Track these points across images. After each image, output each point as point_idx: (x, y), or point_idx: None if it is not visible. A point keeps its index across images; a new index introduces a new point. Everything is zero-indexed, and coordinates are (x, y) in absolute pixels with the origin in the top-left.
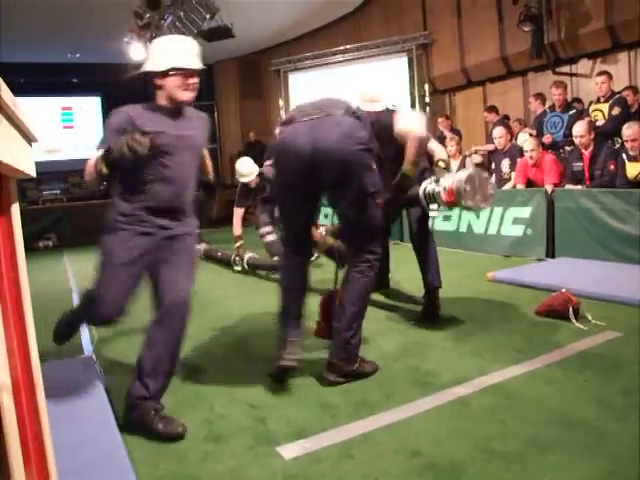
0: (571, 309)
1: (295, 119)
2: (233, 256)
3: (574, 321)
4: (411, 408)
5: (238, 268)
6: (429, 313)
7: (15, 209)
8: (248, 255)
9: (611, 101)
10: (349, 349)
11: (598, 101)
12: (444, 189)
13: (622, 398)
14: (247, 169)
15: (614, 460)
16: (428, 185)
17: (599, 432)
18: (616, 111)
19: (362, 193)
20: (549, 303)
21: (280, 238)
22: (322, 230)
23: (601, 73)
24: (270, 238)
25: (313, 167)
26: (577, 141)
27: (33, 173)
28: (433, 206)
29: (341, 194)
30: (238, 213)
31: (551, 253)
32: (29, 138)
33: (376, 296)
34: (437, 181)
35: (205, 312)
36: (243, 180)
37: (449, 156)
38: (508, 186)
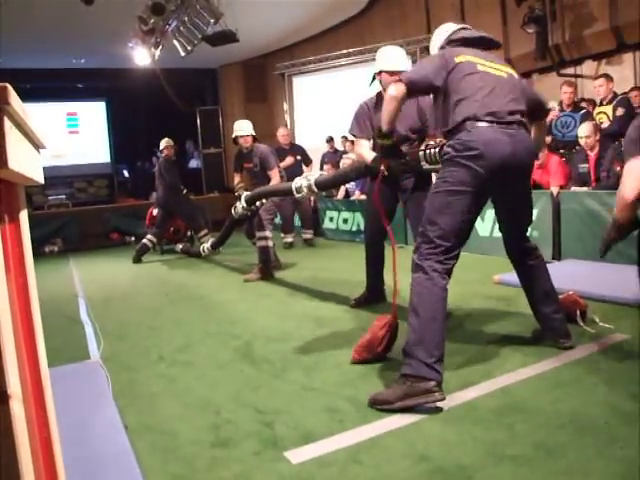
0: (578, 312)
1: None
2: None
3: (581, 323)
4: (419, 412)
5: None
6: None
7: (24, 216)
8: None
9: (614, 102)
10: None
11: (601, 104)
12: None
13: (631, 402)
14: (242, 124)
15: (625, 465)
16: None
17: (609, 436)
18: (620, 112)
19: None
20: None
21: None
22: None
23: (599, 76)
24: (264, 244)
25: None
26: (582, 142)
27: (41, 180)
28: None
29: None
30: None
31: (558, 255)
32: (37, 145)
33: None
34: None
35: (211, 316)
36: (235, 134)
37: None
38: None
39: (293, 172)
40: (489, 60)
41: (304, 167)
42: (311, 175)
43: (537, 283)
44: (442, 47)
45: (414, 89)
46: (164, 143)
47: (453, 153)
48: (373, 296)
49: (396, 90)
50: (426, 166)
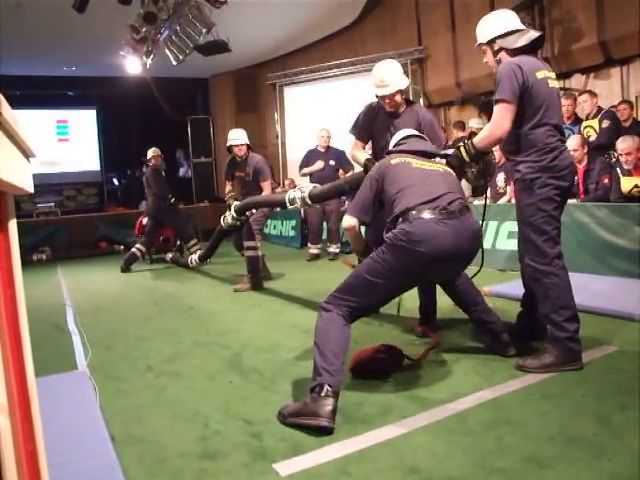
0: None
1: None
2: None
3: None
4: (408, 424)
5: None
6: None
7: (13, 225)
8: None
9: (600, 115)
10: None
11: (587, 118)
12: None
13: (620, 414)
14: (237, 133)
15: (613, 477)
16: None
17: (598, 448)
18: (605, 124)
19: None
20: None
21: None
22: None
23: (583, 92)
24: (253, 254)
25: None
26: None
27: (31, 189)
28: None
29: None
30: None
31: None
32: (27, 154)
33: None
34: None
35: (200, 327)
36: (230, 142)
37: None
38: (503, 200)
39: (322, 177)
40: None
41: (341, 172)
42: (305, 187)
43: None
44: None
45: (364, 218)
46: (151, 152)
47: (393, 240)
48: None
49: (348, 223)
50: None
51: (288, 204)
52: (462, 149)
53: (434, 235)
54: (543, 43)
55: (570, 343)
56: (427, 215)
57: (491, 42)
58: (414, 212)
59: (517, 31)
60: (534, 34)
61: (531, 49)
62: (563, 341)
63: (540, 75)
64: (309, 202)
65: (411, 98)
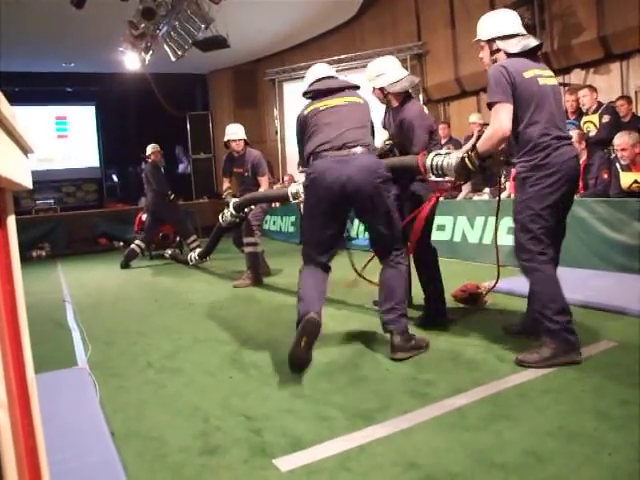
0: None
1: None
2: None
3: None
4: (408, 419)
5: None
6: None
7: (11, 221)
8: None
9: (600, 110)
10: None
11: (587, 113)
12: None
13: (619, 408)
14: (234, 129)
15: (613, 472)
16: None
17: (598, 443)
18: (606, 119)
19: (386, 213)
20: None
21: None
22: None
23: (583, 87)
24: (252, 249)
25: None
26: None
27: (30, 185)
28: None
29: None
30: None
31: None
32: (25, 150)
33: (369, 305)
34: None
35: (200, 323)
36: (227, 137)
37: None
38: (503, 195)
39: None
40: (336, 97)
41: None
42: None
43: (386, 283)
44: (304, 93)
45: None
46: (151, 148)
47: (303, 183)
48: None
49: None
50: (432, 178)
51: (291, 198)
52: (467, 161)
53: (323, 170)
54: (541, 48)
55: (565, 334)
56: (322, 156)
57: (490, 41)
58: (314, 156)
59: (518, 35)
60: (533, 42)
61: (528, 52)
62: (558, 333)
63: (528, 74)
64: None
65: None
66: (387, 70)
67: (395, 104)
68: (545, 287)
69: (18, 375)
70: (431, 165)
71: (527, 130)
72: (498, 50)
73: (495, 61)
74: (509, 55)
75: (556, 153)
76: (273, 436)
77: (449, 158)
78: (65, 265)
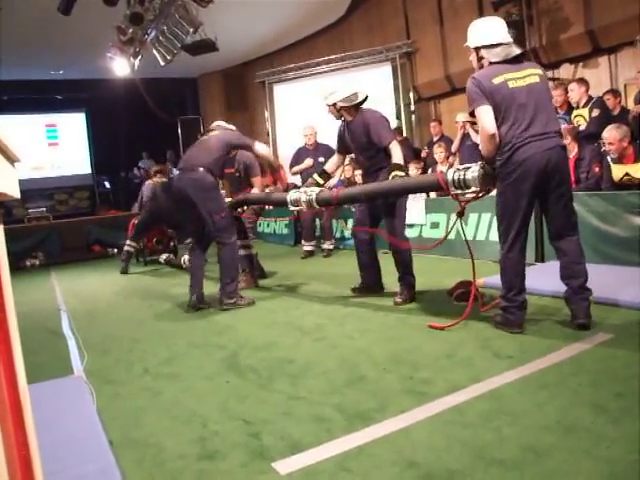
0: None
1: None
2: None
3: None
4: (406, 418)
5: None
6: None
7: None
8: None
9: (590, 104)
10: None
11: (577, 107)
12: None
13: (616, 401)
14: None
15: (612, 464)
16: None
17: (595, 436)
18: (595, 113)
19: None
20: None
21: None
22: None
23: (572, 81)
24: (247, 252)
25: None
26: None
27: (17, 195)
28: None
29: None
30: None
31: (540, 257)
32: (12, 159)
33: (366, 304)
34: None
35: (195, 327)
36: None
37: (436, 162)
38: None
39: (310, 176)
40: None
41: None
42: (312, 190)
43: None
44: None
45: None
46: (156, 167)
47: None
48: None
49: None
50: (454, 191)
51: (290, 205)
52: (483, 171)
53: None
54: (524, 56)
55: (514, 310)
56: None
57: (476, 48)
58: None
59: (502, 44)
60: (515, 51)
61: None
62: (509, 309)
63: (498, 80)
64: (316, 206)
65: (400, 93)
66: (338, 88)
67: (349, 118)
68: (507, 275)
69: (10, 386)
70: (452, 180)
71: (500, 130)
72: (483, 57)
73: (482, 66)
74: (491, 63)
75: (519, 151)
76: (272, 439)
77: (472, 172)
78: (59, 273)
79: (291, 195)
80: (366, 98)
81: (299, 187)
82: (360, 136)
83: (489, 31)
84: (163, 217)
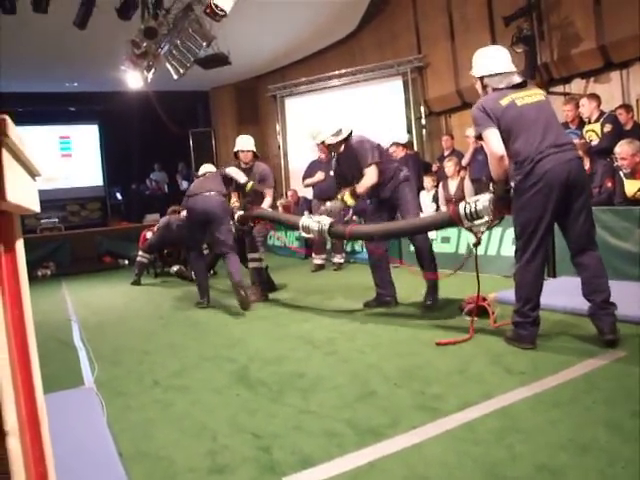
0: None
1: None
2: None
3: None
4: (418, 434)
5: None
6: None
7: (19, 245)
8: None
9: (602, 119)
10: None
11: (589, 122)
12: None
13: (631, 420)
14: (245, 140)
15: None
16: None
17: (610, 456)
18: (608, 128)
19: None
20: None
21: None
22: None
23: (584, 96)
24: (257, 265)
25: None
26: None
27: (37, 208)
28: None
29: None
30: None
31: (552, 272)
32: (33, 173)
33: (376, 319)
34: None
35: (206, 340)
36: (237, 148)
37: (447, 177)
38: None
39: (324, 188)
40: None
41: None
42: (326, 219)
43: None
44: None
45: None
46: (173, 207)
47: None
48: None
49: None
50: (467, 224)
51: (301, 230)
52: (494, 198)
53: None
54: (526, 84)
55: (528, 326)
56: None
57: (480, 77)
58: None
59: (504, 73)
60: (516, 79)
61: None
62: (523, 325)
63: (505, 102)
64: (327, 237)
65: (411, 107)
66: (322, 127)
67: (339, 150)
68: (524, 289)
69: (28, 401)
70: (465, 214)
71: (514, 147)
72: (487, 85)
73: (487, 93)
74: (495, 89)
75: (540, 164)
76: (282, 454)
77: (482, 202)
78: (70, 284)
79: (304, 221)
80: (351, 132)
81: (311, 204)
82: (351, 166)
83: (493, 61)
84: (171, 242)
